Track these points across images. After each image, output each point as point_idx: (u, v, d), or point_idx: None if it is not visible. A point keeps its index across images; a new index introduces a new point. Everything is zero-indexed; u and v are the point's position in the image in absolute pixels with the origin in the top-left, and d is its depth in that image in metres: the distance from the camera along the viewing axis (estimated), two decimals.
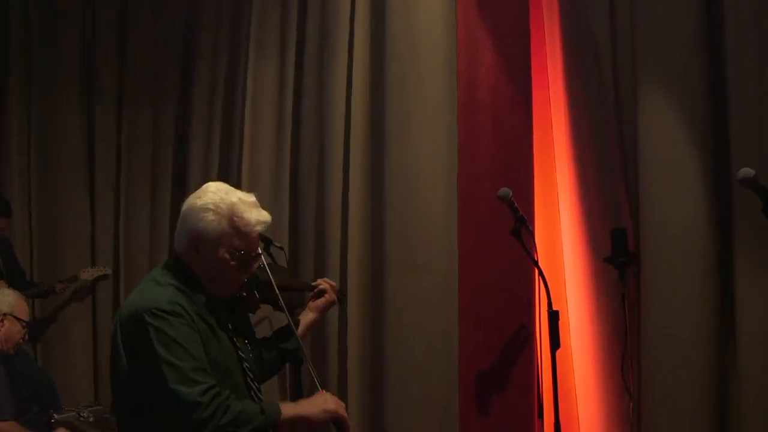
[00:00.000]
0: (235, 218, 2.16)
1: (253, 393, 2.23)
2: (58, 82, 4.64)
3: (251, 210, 2.20)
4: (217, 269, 2.18)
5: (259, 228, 2.20)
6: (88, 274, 4.44)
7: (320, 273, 3.65)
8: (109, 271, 4.53)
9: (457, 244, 3.43)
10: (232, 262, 2.18)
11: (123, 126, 4.66)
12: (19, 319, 3.20)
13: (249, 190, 2.28)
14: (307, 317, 2.58)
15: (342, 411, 2.22)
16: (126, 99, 4.67)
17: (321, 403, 2.20)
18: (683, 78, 2.90)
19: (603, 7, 3.20)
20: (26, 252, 4.57)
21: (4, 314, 3.23)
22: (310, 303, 2.60)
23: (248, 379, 2.24)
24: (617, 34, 3.16)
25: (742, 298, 2.71)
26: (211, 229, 2.15)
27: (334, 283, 2.63)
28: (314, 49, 3.97)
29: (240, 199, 2.20)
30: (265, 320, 3.62)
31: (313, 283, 2.62)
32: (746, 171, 2.08)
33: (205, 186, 2.27)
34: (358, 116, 3.75)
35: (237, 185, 4.11)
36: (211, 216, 2.15)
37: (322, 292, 2.58)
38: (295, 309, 2.64)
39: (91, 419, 3.40)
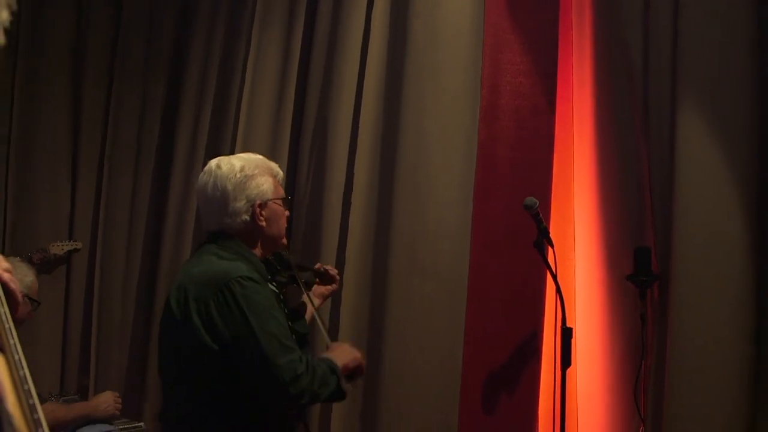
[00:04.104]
0: (272, 170, 2.35)
1: None
2: (45, 50, 4.36)
3: (270, 161, 2.40)
4: (280, 223, 2.33)
5: (281, 173, 2.41)
6: (58, 248, 4.18)
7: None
8: (80, 245, 4.29)
9: (469, 251, 3.29)
10: (285, 210, 2.36)
11: (111, 101, 4.42)
12: (33, 300, 2.94)
13: None
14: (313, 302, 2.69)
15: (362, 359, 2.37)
16: (117, 72, 4.44)
17: (349, 350, 2.34)
18: (727, 94, 2.81)
19: (638, 19, 3.09)
20: None
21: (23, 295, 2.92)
22: (315, 289, 2.72)
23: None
24: (653, 46, 3.05)
25: None
26: (267, 188, 2.29)
27: (337, 271, 2.78)
28: (325, 30, 3.76)
29: (260, 156, 2.40)
30: None
31: (317, 267, 2.75)
32: None
33: (222, 164, 2.30)
34: (369, 109, 3.55)
35: None
36: (260, 178, 2.29)
37: (328, 278, 2.73)
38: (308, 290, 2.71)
39: None
